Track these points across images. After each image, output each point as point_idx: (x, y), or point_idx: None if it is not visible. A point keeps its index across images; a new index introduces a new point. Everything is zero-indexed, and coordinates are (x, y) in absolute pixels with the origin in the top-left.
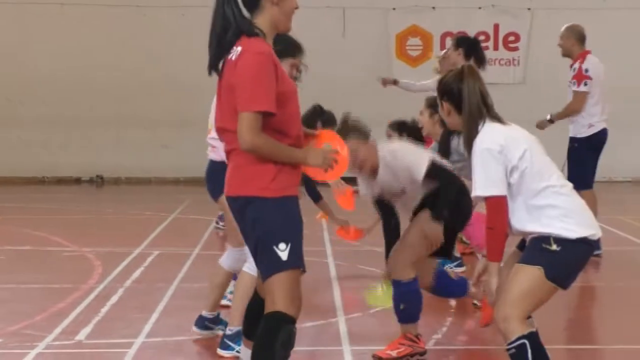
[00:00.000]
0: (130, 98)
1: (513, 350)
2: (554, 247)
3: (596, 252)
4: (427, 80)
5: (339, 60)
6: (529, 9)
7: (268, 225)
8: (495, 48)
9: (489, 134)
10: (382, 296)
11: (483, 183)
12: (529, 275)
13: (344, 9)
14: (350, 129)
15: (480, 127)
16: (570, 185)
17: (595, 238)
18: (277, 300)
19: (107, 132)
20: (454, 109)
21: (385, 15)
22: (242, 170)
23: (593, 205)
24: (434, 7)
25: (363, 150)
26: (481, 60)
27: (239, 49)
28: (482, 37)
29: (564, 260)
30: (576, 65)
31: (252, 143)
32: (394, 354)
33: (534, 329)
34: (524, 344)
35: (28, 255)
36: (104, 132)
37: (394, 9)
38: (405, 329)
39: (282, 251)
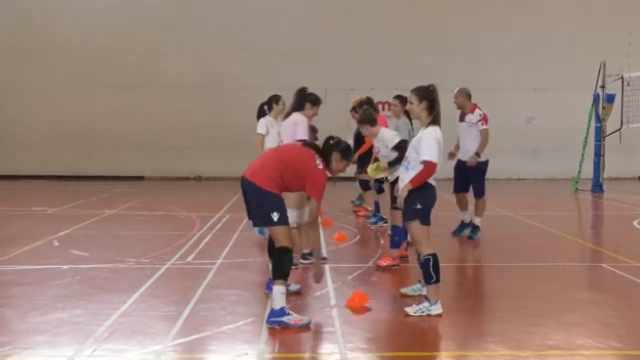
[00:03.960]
0: (213, 136)
1: (424, 260)
2: (419, 206)
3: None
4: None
5: (323, 116)
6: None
7: (267, 203)
8: None
9: (437, 131)
10: (377, 169)
11: (429, 153)
12: (415, 227)
13: (326, 89)
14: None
15: (431, 125)
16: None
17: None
18: (281, 241)
19: (203, 152)
20: (427, 108)
21: (348, 92)
22: (266, 177)
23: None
24: (372, 88)
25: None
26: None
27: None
28: None
29: (424, 212)
30: (479, 112)
31: (315, 214)
32: (384, 264)
33: (435, 252)
34: (429, 258)
35: (162, 217)
36: (201, 152)
37: (352, 89)
38: (393, 252)
39: (275, 216)
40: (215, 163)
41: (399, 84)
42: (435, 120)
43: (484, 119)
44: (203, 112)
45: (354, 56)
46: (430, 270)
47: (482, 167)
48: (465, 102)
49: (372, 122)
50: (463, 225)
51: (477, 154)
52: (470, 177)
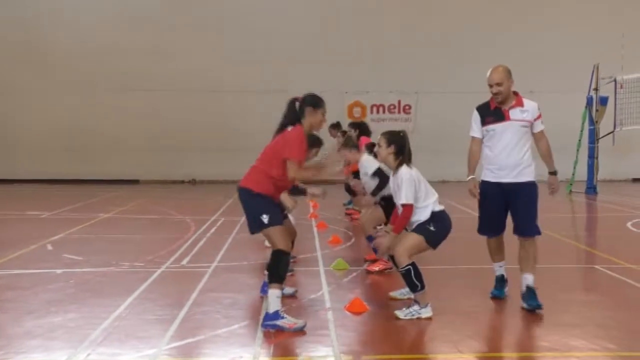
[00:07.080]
0: (208, 140)
1: (404, 271)
2: (432, 228)
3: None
4: None
5: None
6: (416, 92)
7: (255, 206)
8: (399, 112)
9: (411, 171)
10: (339, 264)
11: (406, 196)
12: (415, 238)
13: (321, 92)
14: (352, 144)
15: (401, 166)
16: (434, 198)
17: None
18: (276, 244)
19: (198, 155)
20: (394, 151)
21: (342, 95)
22: (256, 178)
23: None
24: (367, 92)
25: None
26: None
27: (291, 127)
28: (392, 107)
29: (433, 235)
30: (535, 104)
31: (294, 177)
32: (376, 268)
33: (414, 261)
34: (409, 269)
35: (156, 220)
36: (196, 156)
37: (346, 92)
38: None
39: (265, 218)
40: (210, 166)
41: (394, 86)
42: (403, 162)
43: (540, 115)
44: (198, 115)
45: (350, 59)
46: (413, 280)
47: (535, 190)
48: (511, 89)
49: (355, 147)
50: (503, 282)
51: (554, 173)
52: (520, 207)
